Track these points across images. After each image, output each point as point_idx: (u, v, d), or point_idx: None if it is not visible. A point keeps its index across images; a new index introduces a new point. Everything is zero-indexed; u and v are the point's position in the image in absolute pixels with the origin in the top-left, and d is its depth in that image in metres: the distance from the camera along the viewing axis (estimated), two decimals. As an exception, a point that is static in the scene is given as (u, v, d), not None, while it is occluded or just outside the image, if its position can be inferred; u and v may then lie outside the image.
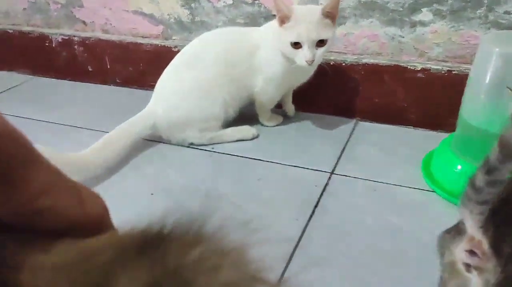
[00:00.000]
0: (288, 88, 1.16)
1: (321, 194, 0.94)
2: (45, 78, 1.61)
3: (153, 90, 1.44)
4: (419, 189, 0.95)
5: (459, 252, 0.45)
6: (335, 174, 1.01)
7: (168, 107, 1.09)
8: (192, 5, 1.32)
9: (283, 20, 1.01)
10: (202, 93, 1.09)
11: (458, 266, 0.44)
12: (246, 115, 1.19)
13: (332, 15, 1.00)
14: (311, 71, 1.11)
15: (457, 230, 0.46)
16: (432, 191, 0.94)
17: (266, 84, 1.12)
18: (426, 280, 0.72)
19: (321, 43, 1.00)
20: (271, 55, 1.09)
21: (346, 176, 1.00)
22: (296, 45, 1.00)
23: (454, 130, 1.10)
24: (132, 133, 1.07)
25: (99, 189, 0.93)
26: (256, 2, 1.24)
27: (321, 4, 1.11)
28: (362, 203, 0.92)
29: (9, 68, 1.66)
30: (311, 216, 0.88)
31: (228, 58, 1.10)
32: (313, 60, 1.00)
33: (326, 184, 0.97)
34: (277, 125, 1.22)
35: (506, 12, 1.02)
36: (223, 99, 1.10)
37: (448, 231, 0.48)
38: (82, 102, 1.42)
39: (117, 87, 1.52)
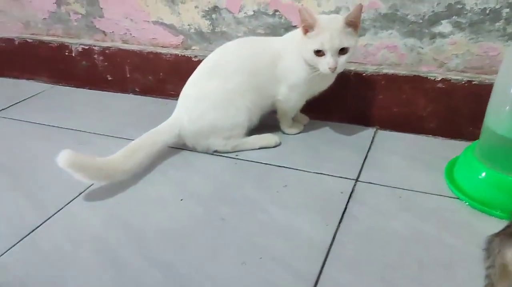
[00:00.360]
0: (310, 95, 1.18)
1: (348, 201, 0.96)
2: (65, 86, 1.63)
3: (172, 99, 1.48)
4: (443, 196, 0.97)
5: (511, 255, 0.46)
6: (360, 181, 1.03)
7: (193, 116, 1.11)
8: (213, 15, 1.35)
9: (307, 29, 1.04)
10: (226, 102, 1.11)
11: (509, 268, 0.46)
12: (267, 123, 1.21)
13: (354, 24, 1.03)
14: (333, 78, 1.14)
15: (507, 233, 0.48)
16: (457, 198, 0.96)
17: (289, 91, 1.15)
18: (456, 285, 0.74)
19: (343, 51, 1.03)
20: (294, 63, 1.12)
21: (370, 183, 1.02)
22: (319, 53, 1.03)
23: (474, 139, 1.12)
24: (158, 141, 1.10)
25: (127, 195, 0.96)
26: (277, 13, 1.27)
27: (342, 14, 1.14)
28: (389, 209, 0.93)
29: (29, 76, 1.69)
30: (340, 222, 0.90)
31: (251, 67, 1.13)
32: (335, 67, 1.02)
33: (352, 191, 0.99)
34: (298, 133, 1.24)
35: (525, 25, 1.05)
36: (246, 107, 1.12)
37: (497, 234, 0.49)
38: (102, 110, 1.44)
39: (136, 96, 1.54)
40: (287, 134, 1.24)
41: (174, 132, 1.12)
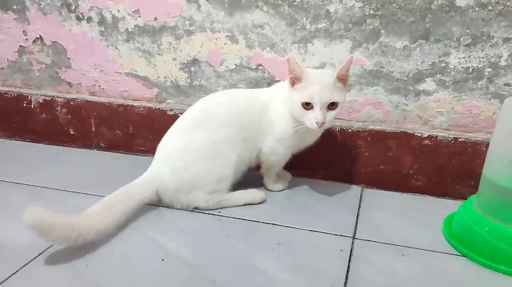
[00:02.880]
0: (297, 149, 1.12)
1: (350, 259, 0.88)
2: (20, 141, 1.48)
3: (141, 155, 1.37)
4: (446, 253, 0.92)
5: None
6: (357, 239, 0.95)
7: (177, 167, 1.02)
8: (192, 68, 1.30)
9: (294, 81, 1.00)
10: (214, 153, 1.03)
11: None
12: (248, 179, 1.13)
13: (344, 78, 1.00)
14: (319, 133, 1.10)
15: None
16: (461, 255, 0.91)
17: (275, 144, 1.09)
18: None
19: (332, 106, 0.99)
20: (281, 115, 1.07)
21: (369, 241, 0.95)
22: (308, 105, 0.98)
23: (461, 197, 1.12)
24: (135, 197, 0.98)
25: (98, 255, 0.80)
26: (260, 67, 1.24)
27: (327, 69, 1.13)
28: (396, 267, 0.86)
29: (-24, 129, 1.52)
30: (345, 282, 0.81)
31: (240, 118, 1.06)
32: (323, 123, 0.98)
33: (352, 249, 0.91)
34: (282, 190, 1.17)
35: (506, 84, 1.08)
36: (233, 160, 1.05)
37: None
38: (61, 165, 1.30)
39: (102, 151, 1.42)
40: (271, 190, 1.16)
41: (152, 188, 1.01)
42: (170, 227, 0.97)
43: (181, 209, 1.04)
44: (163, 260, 0.85)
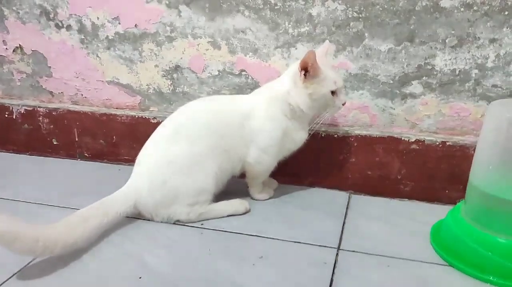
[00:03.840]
0: (282, 156, 1.10)
1: (333, 272, 0.85)
2: (1, 152, 1.45)
3: (126, 164, 1.35)
4: (433, 263, 0.89)
5: None
6: (342, 250, 0.93)
7: (155, 182, 0.99)
8: (174, 75, 1.27)
9: (311, 76, 0.99)
10: (193, 166, 1.00)
11: None
12: (233, 189, 1.10)
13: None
14: (305, 136, 1.08)
15: None
16: (448, 265, 0.88)
17: (261, 153, 1.06)
18: None
19: None
20: (266, 123, 1.05)
21: (354, 251, 0.92)
22: (333, 92, 1.02)
23: (450, 202, 1.09)
24: (110, 212, 0.94)
25: (71, 271, 0.75)
26: (244, 73, 1.21)
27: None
28: (380, 280, 0.83)
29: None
30: (328, 297, 0.78)
31: (219, 128, 1.03)
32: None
33: (336, 261, 0.89)
34: (268, 199, 1.14)
35: (494, 86, 1.06)
36: (214, 171, 1.02)
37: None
38: (44, 177, 1.27)
39: (85, 161, 1.39)
40: (257, 199, 1.13)
41: (129, 202, 0.98)
42: (149, 242, 0.95)
43: (162, 222, 1.01)
44: (140, 278, 0.83)
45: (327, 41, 1.07)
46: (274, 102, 1.04)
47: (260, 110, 1.06)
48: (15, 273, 0.83)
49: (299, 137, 1.08)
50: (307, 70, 0.99)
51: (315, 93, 1.01)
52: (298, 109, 1.03)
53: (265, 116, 1.05)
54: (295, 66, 1.02)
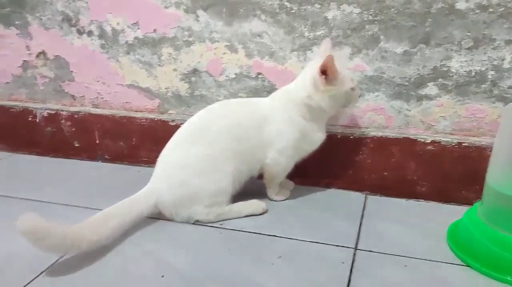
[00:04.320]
0: (300, 158, 1.12)
1: (351, 272, 0.87)
2: (25, 154, 1.50)
3: (145, 166, 1.38)
4: (450, 263, 0.90)
5: None
6: (359, 250, 0.94)
7: (174, 183, 1.02)
8: (192, 79, 1.30)
9: (331, 78, 1.02)
10: (211, 168, 1.02)
11: None
12: (251, 189, 1.12)
13: None
14: (322, 138, 1.10)
15: None
16: (465, 265, 0.89)
17: (279, 155, 1.08)
18: None
19: None
20: (283, 125, 1.07)
21: (371, 251, 0.94)
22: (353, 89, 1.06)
23: (467, 203, 1.09)
24: (132, 211, 0.98)
25: (96, 269, 0.78)
26: (260, 76, 1.24)
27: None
28: (397, 280, 0.84)
29: (-16, 144, 1.55)
30: (346, 296, 0.80)
31: (237, 131, 1.06)
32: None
33: (353, 261, 0.90)
34: (284, 200, 1.16)
35: (510, 87, 1.06)
36: (231, 173, 1.04)
37: None
38: (67, 179, 1.31)
39: (106, 163, 1.43)
40: (274, 200, 1.15)
41: (151, 202, 1.01)
42: (170, 242, 0.97)
43: (181, 222, 1.04)
44: (163, 276, 0.85)
45: (326, 38, 1.10)
46: (291, 106, 1.06)
47: (277, 113, 1.08)
48: (43, 271, 0.86)
49: (317, 138, 1.10)
50: (327, 73, 1.01)
51: (338, 93, 1.04)
52: (320, 110, 1.06)
53: (283, 119, 1.07)
54: (313, 71, 1.04)
